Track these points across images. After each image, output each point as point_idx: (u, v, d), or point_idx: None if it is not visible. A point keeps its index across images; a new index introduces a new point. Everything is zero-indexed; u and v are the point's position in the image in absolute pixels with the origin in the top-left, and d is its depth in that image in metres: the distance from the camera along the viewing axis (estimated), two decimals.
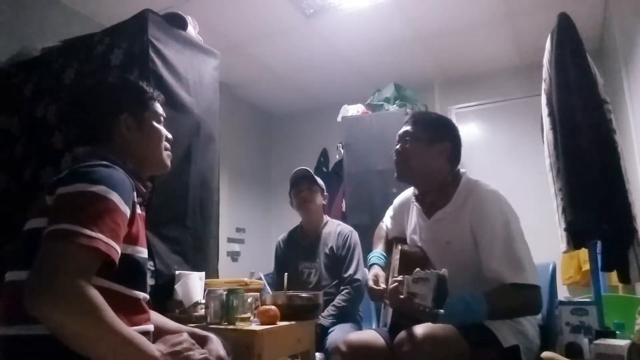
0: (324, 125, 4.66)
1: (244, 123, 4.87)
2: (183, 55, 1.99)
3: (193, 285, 1.72)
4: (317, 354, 1.91)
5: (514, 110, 4.06)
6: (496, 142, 4.20)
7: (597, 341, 1.38)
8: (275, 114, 5.26)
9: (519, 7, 3.25)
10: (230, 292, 1.57)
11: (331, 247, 2.39)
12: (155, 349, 0.93)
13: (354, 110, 3.93)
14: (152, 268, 1.69)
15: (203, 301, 1.66)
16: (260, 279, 2.03)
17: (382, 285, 1.60)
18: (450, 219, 1.55)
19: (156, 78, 1.80)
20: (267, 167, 5.17)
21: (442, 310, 1.21)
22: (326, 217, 2.56)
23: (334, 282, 2.33)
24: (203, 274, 1.81)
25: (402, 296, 1.31)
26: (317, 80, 4.37)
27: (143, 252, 1.07)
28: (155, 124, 1.22)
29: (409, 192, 1.79)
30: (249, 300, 1.62)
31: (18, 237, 0.99)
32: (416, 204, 1.68)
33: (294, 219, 2.68)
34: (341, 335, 1.95)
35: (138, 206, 1.07)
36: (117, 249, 0.92)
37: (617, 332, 1.51)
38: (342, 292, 2.26)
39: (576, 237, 1.78)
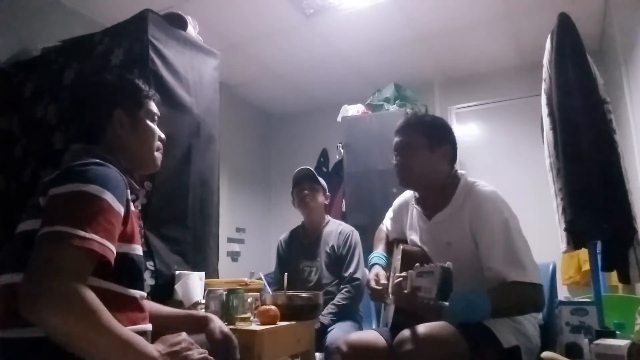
0: (324, 125, 4.66)
1: (244, 123, 4.87)
2: (183, 55, 1.99)
3: (193, 285, 1.72)
4: (317, 354, 1.91)
5: (514, 110, 4.06)
6: (496, 142, 4.20)
7: (597, 341, 1.38)
8: (275, 114, 5.26)
9: (519, 7, 3.25)
10: (230, 292, 1.57)
11: (332, 246, 2.40)
12: (154, 349, 0.93)
13: (354, 110, 3.92)
14: (152, 268, 1.69)
15: (203, 301, 1.66)
16: (260, 279, 2.03)
17: (383, 283, 1.60)
18: (450, 221, 1.55)
19: (156, 78, 1.80)
20: (267, 167, 5.17)
21: (446, 303, 1.20)
22: (328, 217, 2.58)
23: (335, 281, 2.34)
24: (203, 274, 1.81)
25: (405, 291, 1.30)
26: (317, 80, 4.37)
27: (138, 250, 1.06)
28: (149, 122, 1.21)
29: (408, 193, 1.79)
30: (249, 300, 1.62)
31: (12, 239, 0.98)
32: (416, 206, 1.68)
33: (294, 219, 2.68)
34: (341, 333, 1.96)
35: (132, 203, 1.06)
36: (112, 249, 0.91)
37: (617, 332, 1.51)
38: (342, 291, 2.27)
39: (576, 237, 1.78)
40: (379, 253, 1.81)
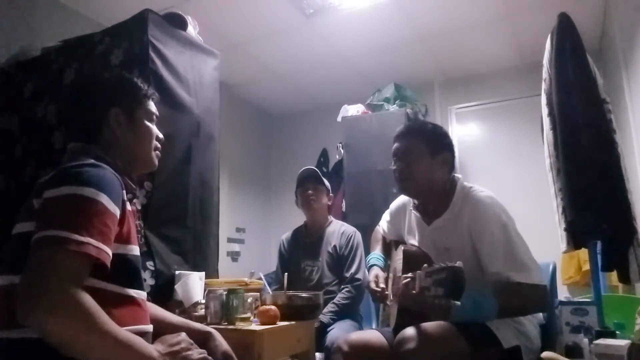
0: (324, 125, 4.66)
1: (244, 123, 4.87)
2: (183, 55, 1.99)
3: (193, 285, 1.72)
4: (317, 354, 1.91)
5: (514, 110, 4.06)
6: (496, 142, 4.20)
7: (597, 341, 1.38)
8: (275, 114, 5.26)
9: (519, 7, 3.25)
10: (230, 292, 1.57)
11: (334, 246, 2.40)
12: (153, 349, 0.93)
13: (354, 110, 3.92)
14: (152, 268, 1.69)
15: (203, 301, 1.66)
16: (260, 279, 2.03)
17: (383, 286, 1.61)
18: (448, 226, 1.55)
19: (156, 78, 1.80)
20: (267, 167, 5.17)
21: (458, 302, 1.19)
22: (330, 217, 2.58)
23: (335, 281, 2.35)
24: (203, 274, 1.81)
25: (414, 291, 1.29)
26: (317, 80, 4.37)
27: (135, 250, 1.06)
28: (147, 122, 1.20)
29: (406, 197, 1.78)
30: (249, 300, 1.62)
31: (9, 240, 0.98)
32: (415, 212, 1.68)
33: (294, 219, 2.68)
34: (341, 333, 1.96)
35: (128, 203, 1.05)
36: (107, 252, 0.91)
37: (617, 332, 1.51)
38: (343, 291, 2.28)
39: (576, 237, 1.78)
40: (377, 254, 1.82)
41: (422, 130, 1.63)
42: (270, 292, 1.88)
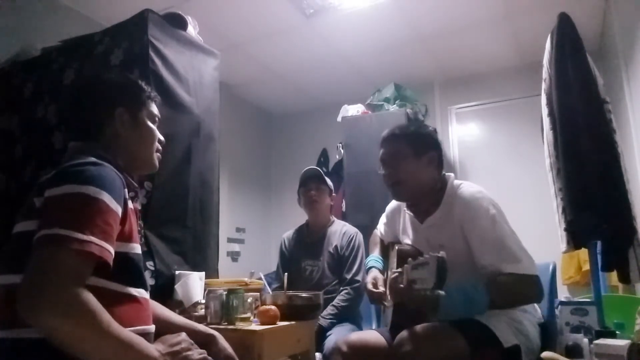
0: (324, 125, 4.66)
1: (244, 123, 4.87)
2: (183, 55, 1.99)
3: (193, 285, 1.72)
4: (317, 354, 1.91)
5: (514, 110, 4.06)
6: (496, 142, 4.20)
7: (597, 341, 1.38)
8: (275, 114, 5.26)
9: (519, 7, 3.25)
10: (230, 292, 1.57)
11: (335, 247, 2.40)
12: (154, 349, 0.93)
13: (354, 110, 3.92)
14: (152, 268, 1.69)
15: (203, 301, 1.66)
16: (260, 279, 2.03)
17: (381, 288, 1.61)
18: (441, 224, 1.57)
19: (156, 78, 1.80)
20: (267, 167, 5.17)
21: (442, 292, 1.20)
22: (332, 217, 2.58)
23: (335, 281, 2.34)
24: (203, 274, 1.81)
25: (402, 285, 1.31)
26: (317, 80, 4.37)
27: (137, 249, 1.05)
28: (149, 123, 1.21)
29: None
30: (249, 300, 1.62)
31: (10, 240, 0.98)
32: (408, 212, 1.70)
33: (295, 219, 2.68)
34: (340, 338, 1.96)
35: (130, 201, 1.05)
36: (110, 251, 0.91)
37: (617, 332, 1.51)
38: (342, 293, 2.27)
39: (576, 237, 1.78)
40: (375, 256, 1.84)
41: (404, 133, 1.65)
42: (270, 292, 1.88)
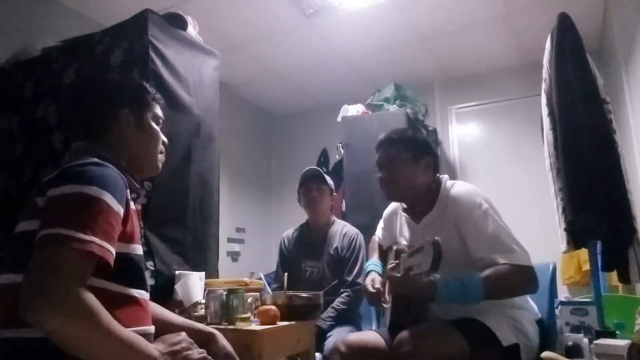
0: (324, 125, 4.66)
1: (244, 123, 4.87)
2: (183, 55, 1.99)
3: (193, 285, 1.72)
4: (317, 354, 1.91)
5: (514, 110, 4.06)
6: (496, 142, 4.20)
7: (597, 341, 1.38)
8: (275, 114, 5.26)
9: (519, 7, 3.25)
10: (230, 292, 1.57)
11: (336, 248, 2.39)
12: (154, 348, 0.93)
13: (354, 110, 3.92)
14: (152, 268, 1.69)
15: (203, 301, 1.66)
16: (260, 279, 2.03)
17: (378, 286, 1.62)
18: (437, 223, 1.58)
19: (156, 78, 1.80)
20: (267, 167, 5.17)
21: (438, 275, 1.23)
22: (333, 217, 2.56)
23: (335, 282, 2.34)
24: (203, 274, 1.81)
25: (398, 274, 1.34)
26: (317, 80, 4.37)
27: (138, 250, 1.05)
28: (154, 125, 1.21)
29: (395, 203, 1.84)
30: (249, 300, 1.62)
31: (11, 239, 0.97)
32: (404, 214, 1.73)
33: (295, 219, 2.67)
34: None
35: (132, 202, 1.05)
36: (111, 251, 0.91)
37: (617, 332, 1.51)
38: (342, 295, 2.26)
39: (576, 237, 1.78)
40: (374, 261, 1.86)
41: (403, 138, 1.67)
42: (270, 292, 1.88)
